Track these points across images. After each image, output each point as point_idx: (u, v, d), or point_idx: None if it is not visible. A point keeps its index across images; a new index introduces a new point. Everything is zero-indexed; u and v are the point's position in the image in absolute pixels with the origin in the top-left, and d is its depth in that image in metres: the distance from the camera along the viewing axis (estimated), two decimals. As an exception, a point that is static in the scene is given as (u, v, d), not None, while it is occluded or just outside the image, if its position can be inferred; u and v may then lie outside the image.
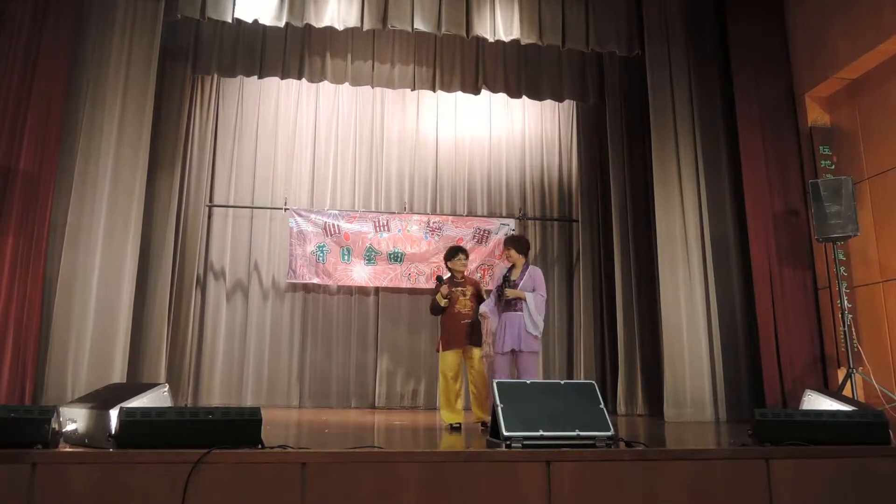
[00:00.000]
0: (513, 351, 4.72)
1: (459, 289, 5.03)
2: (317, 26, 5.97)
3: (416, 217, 7.70)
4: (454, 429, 4.67)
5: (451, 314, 4.99)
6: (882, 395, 4.91)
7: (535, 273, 4.92)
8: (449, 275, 5.19)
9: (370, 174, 7.86)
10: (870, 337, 5.43)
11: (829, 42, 5.76)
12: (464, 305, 4.99)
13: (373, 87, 7.39)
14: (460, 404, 4.92)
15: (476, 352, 4.92)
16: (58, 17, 5.37)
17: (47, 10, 5.36)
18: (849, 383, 5.02)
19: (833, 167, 5.85)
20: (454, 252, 5.18)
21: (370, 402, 7.33)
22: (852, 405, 3.59)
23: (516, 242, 5.03)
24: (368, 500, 2.61)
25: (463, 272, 5.16)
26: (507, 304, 4.80)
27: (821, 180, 5.39)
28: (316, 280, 7.37)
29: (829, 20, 5.77)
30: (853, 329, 5.23)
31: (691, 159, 6.21)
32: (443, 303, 4.99)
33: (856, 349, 5.20)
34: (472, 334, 4.95)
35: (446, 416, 4.87)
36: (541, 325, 4.74)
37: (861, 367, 5.15)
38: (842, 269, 5.44)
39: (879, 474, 2.96)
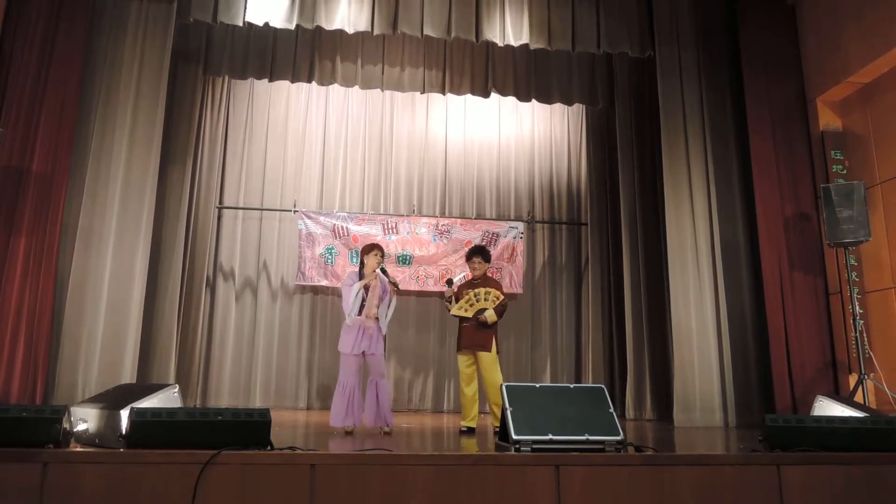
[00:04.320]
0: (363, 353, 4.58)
1: (472, 291, 4.99)
2: (327, 29, 6.00)
3: (424, 219, 7.70)
4: (463, 433, 4.66)
5: (460, 317, 4.99)
6: (894, 401, 4.87)
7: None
8: (460, 277, 5.19)
9: (379, 176, 7.88)
10: (881, 342, 5.39)
11: (842, 46, 5.73)
12: (466, 310, 4.96)
13: (382, 90, 7.40)
14: (475, 408, 4.88)
15: (484, 357, 4.86)
16: (71, 20, 5.43)
17: (61, 13, 5.41)
18: (860, 389, 4.98)
19: (845, 172, 5.81)
20: (469, 255, 5.18)
21: (378, 405, 7.32)
22: (864, 411, 3.57)
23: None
24: (377, 503, 2.61)
25: (481, 274, 5.09)
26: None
27: (832, 185, 5.36)
28: (324, 282, 7.39)
29: (842, 24, 5.74)
30: (864, 335, 5.19)
31: (701, 163, 6.18)
32: (450, 306, 5.00)
33: (867, 355, 5.16)
34: (477, 338, 4.87)
35: (462, 420, 4.87)
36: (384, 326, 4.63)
37: (872, 373, 5.11)
38: (853, 274, 5.40)
39: (892, 481, 2.93)
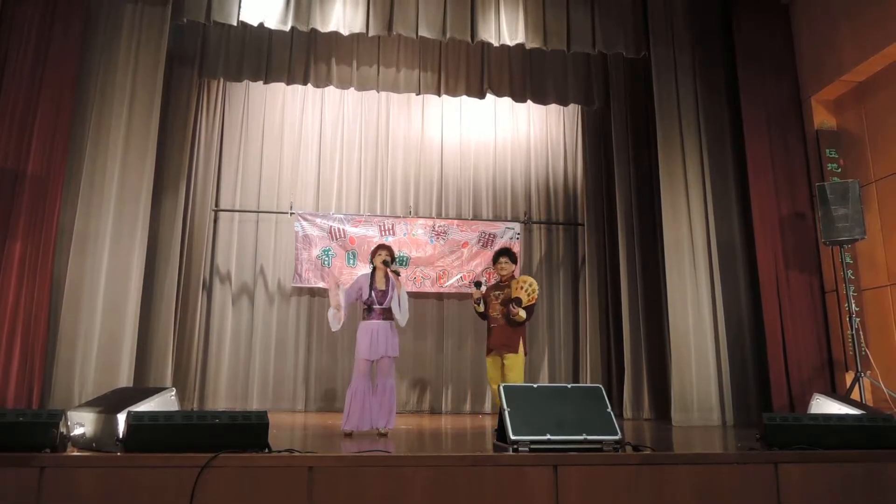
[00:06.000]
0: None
1: (496, 293, 4.92)
2: (322, 31, 5.99)
3: (421, 221, 7.70)
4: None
5: (488, 319, 4.98)
6: (890, 398, 4.89)
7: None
8: (489, 279, 5.17)
9: (375, 178, 7.87)
10: (877, 340, 5.40)
11: (836, 45, 5.75)
12: (494, 310, 4.93)
13: (378, 92, 7.40)
14: None
15: (511, 358, 4.75)
16: (66, 23, 5.40)
17: (56, 16, 5.39)
18: (857, 387, 4.99)
19: (840, 170, 5.83)
20: (496, 256, 5.13)
21: (376, 406, 7.31)
22: (861, 409, 3.58)
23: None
24: (375, 504, 2.61)
25: (510, 275, 5.03)
26: (379, 313, 4.58)
27: (827, 183, 5.37)
28: (321, 284, 7.38)
29: (836, 23, 5.76)
30: (861, 332, 5.21)
31: (697, 163, 6.20)
32: (478, 308, 4.98)
33: (863, 353, 5.17)
34: (505, 338, 4.79)
35: None
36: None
37: (869, 371, 5.13)
38: (849, 272, 5.42)
39: (889, 479, 2.94)
